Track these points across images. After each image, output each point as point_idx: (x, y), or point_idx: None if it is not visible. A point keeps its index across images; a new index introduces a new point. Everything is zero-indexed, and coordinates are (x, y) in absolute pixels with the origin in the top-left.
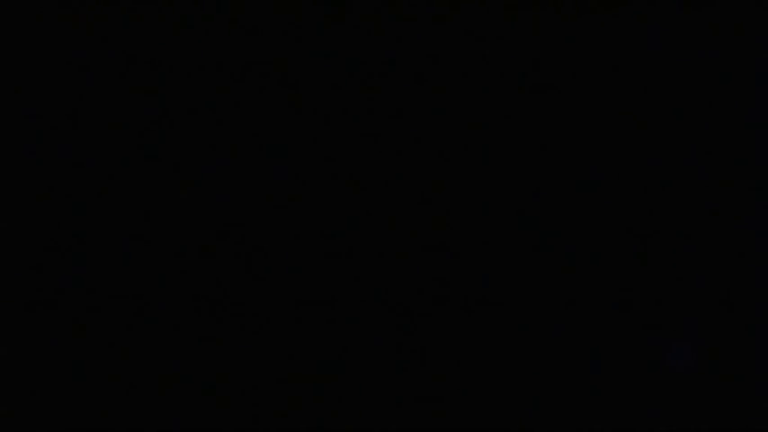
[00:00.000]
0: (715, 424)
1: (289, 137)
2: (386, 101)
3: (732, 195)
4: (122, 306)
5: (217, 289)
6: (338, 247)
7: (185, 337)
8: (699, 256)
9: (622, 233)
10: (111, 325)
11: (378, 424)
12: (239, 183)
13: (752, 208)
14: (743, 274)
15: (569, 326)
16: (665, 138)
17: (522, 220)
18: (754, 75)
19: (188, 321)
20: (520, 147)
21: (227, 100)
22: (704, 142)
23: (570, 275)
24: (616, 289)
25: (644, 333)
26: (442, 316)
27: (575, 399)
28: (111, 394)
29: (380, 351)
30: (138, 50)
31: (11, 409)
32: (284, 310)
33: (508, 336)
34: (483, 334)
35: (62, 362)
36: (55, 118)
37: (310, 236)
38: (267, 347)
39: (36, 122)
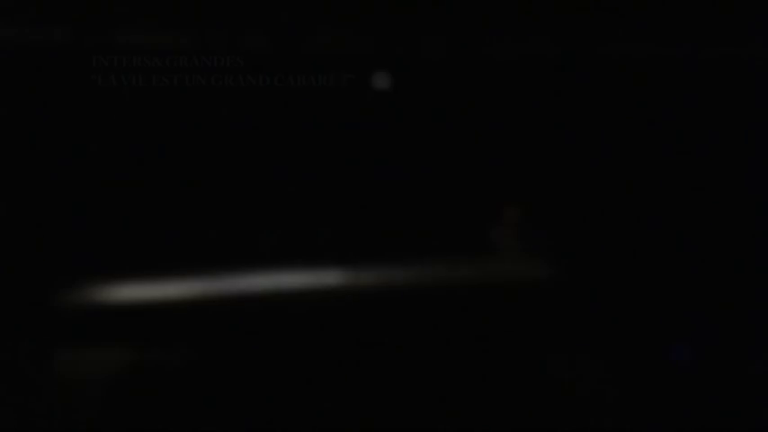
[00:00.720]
0: (715, 423)
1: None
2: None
3: (733, 195)
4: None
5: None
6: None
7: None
8: (699, 255)
9: (624, 233)
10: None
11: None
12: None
13: (752, 208)
14: (743, 273)
15: (570, 324)
16: (668, 138)
17: (525, 219)
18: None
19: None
20: (520, 146)
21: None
22: (706, 143)
23: (571, 275)
24: (617, 289)
25: (645, 332)
26: (441, 313)
27: (575, 397)
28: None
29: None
30: None
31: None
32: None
33: (509, 335)
34: (484, 333)
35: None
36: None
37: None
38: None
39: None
